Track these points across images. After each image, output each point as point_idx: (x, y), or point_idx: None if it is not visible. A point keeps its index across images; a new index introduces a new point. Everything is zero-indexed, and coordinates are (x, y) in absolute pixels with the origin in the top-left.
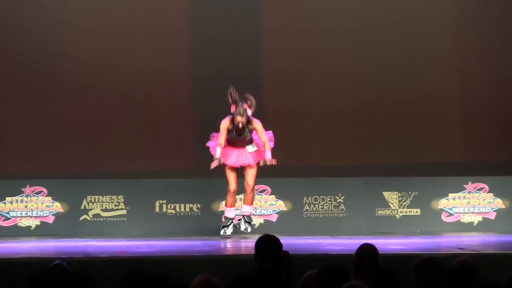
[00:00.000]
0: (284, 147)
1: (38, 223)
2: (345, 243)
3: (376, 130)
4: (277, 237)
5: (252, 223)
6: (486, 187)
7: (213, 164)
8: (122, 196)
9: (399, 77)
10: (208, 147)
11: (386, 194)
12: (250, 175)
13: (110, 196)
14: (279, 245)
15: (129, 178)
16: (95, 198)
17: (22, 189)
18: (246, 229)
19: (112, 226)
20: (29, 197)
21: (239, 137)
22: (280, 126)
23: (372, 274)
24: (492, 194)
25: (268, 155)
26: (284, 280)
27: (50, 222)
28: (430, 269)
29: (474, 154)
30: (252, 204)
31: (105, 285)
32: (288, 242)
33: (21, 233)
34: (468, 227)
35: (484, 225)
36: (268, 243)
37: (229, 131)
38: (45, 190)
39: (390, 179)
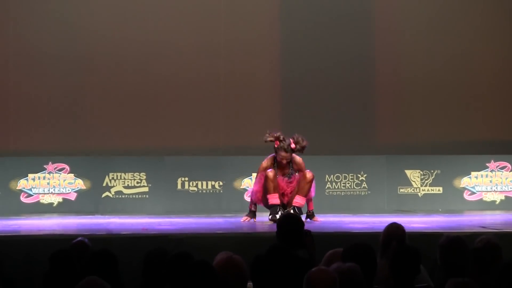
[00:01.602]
0: (306, 124)
1: (61, 200)
2: (367, 221)
3: (398, 108)
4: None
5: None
6: (509, 165)
7: (244, 219)
8: (144, 173)
9: (421, 54)
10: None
11: (408, 172)
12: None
13: (132, 173)
14: (301, 223)
15: (151, 155)
16: (117, 175)
17: (44, 166)
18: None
19: (134, 203)
20: (51, 174)
21: (282, 177)
22: (302, 103)
23: (395, 252)
24: None
25: (299, 200)
26: (298, 258)
27: (72, 199)
28: (455, 248)
29: (497, 132)
30: (306, 196)
31: (127, 262)
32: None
33: (43, 210)
34: (490, 205)
35: (507, 204)
36: (290, 222)
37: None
38: (67, 167)
39: (412, 157)
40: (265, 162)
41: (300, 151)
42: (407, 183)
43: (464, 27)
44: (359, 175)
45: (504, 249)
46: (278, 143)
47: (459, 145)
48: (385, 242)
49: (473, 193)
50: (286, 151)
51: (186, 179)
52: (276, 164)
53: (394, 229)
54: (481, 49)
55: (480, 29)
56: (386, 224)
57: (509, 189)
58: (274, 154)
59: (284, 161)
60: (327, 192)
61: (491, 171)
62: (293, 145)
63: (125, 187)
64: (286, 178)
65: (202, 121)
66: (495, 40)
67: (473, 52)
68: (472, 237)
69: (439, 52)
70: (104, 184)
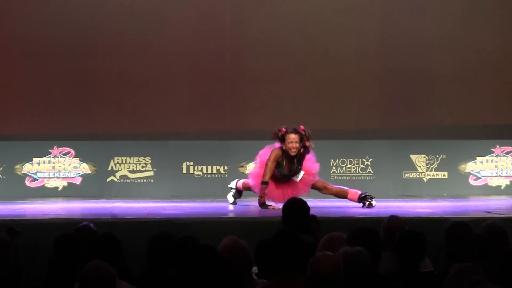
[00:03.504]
0: (312, 108)
1: (66, 184)
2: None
3: (404, 92)
4: (304, 199)
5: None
6: None
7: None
8: (149, 158)
9: (426, 39)
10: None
11: (413, 157)
12: (318, 183)
13: (138, 158)
14: (307, 208)
15: (156, 140)
16: (122, 160)
17: (49, 150)
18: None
19: (139, 187)
20: (56, 158)
21: (289, 173)
22: (307, 88)
23: (400, 237)
24: None
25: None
26: (304, 243)
27: (78, 183)
28: (460, 233)
29: (503, 117)
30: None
31: (132, 246)
32: (315, 205)
33: (48, 194)
34: (495, 190)
35: None
36: (295, 206)
37: (277, 165)
38: (72, 151)
39: (417, 142)
40: (276, 152)
41: (308, 138)
42: (412, 167)
43: (468, 12)
44: (364, 160)
45: (509, 234)
46: (284, 129)
47: (464, 130)
48: (387, 235)
49: (478, 178)
50: (295, 132)
51: (191, 163)
52: (283, 157)
53: (395, 222)
54: (484, 32)
55: (480, 10)
56: (391, 209)
57: None
58: (280, 145)
59: (294, 149)
60: (332, 177)
61: (497, 156)
62: (301, 127)
63: (130, 172)
64: (292, 173)
65: (208, 105)
66: (499, 24)
67: (478, 35)
68: (477, 222)
69: (442, 36)
70: (109, 169)
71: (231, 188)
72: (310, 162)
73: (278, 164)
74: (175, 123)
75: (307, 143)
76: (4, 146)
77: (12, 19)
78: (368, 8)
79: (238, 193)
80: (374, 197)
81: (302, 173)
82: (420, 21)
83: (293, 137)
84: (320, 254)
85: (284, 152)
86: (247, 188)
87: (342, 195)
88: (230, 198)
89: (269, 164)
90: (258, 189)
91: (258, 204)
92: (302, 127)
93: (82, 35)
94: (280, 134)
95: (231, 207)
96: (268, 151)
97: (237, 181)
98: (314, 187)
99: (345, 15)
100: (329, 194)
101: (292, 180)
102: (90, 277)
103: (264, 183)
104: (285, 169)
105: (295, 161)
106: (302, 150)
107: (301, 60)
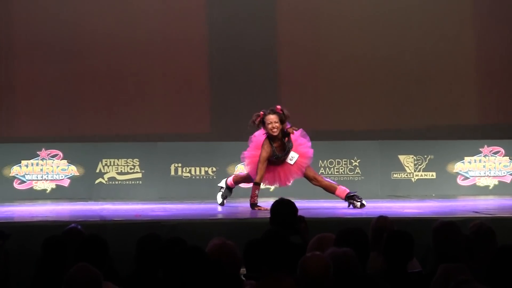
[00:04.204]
0: (300, 110)
1: (54, 186)
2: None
3: (392, 92)
4: (292, 200)
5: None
6: (502, 150)
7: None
8: (137, 159)
9: (414, 39)
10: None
11: (401, 157)
12: (309, 172)
13: (126, 159)
14: (295, 208)
15: (144, 141)
16: (110, 162)
17: (37, 152)
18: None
19: (128, 189)
20: (44, 161)
21: (283, 153)
22: (296, 89)
23: (388, 237)
24: (508, 157)
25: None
26: (292, 244)
27: (66, 185)
28: (449, 233)
29: (490, 117)
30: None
31: (120, 247)
32: (303, 205)
33: (36, 196)
34: (484, 190)
35: (500, 189)
36: (283, 207)
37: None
38: (60, 153)
39: (405, 142)
40: (264, 151)
41: (286, 117)
42: (401, 168)
43: (456, 15)
44: (352, 161)
45: (497, 234)
46: (262, 113)
47: (452, 130)
48: (375, 235)
49: (466, 178)
50: (272, 113)
51: (180, 165)
52: (271, 143)
53: (382, 221)
54: (471, 34)
55: (472, 15)
56: (379, 210)
57: (502, 174)
58: (265, 134)
59: (275, 129)
60: None
61: (485, 156)
62: (278, 106)
63: (118, 173)
64: (281, 156)
65: (195, 107)
66: (486, 23)
67: (464, 36)
68: (465, 222)
69: (430, 36)
70: (98, 171)
71: (221, 187)
72: (305, 147)
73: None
74: (163, 125)
75: (288, 130)
76: None
77: None
78: (362, 11)
79: (229, 190)
80: (362, 198)
81: (296, 156)
82: (408, 23)
83: (271, 117)
84: (310, 254)
85: (271, 138)
86: (239, 181)
87: (330, 189)
88: (219, 198)
89: (260, 165)
90: (253, 172)
91: (249, 204)
92: (279, 106)
93: (69, 38)
94: (259, 119)
95: (219, 208)
96: (262, 135)
97: (227, 179)
98: (304, 175)
99: (343, 19)
100: (318, 185)
101: (286, 162)
102: (75, 280)
103: (256, 184)
104: (277, 152)
105: (283, 140)
106: (288, 135)
107: (286, 61)
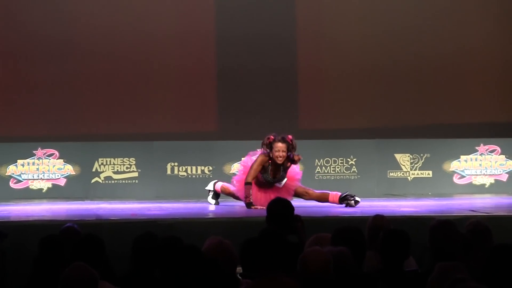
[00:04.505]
0: (295, 108)
1: (50, 185)
2: (357, 206)
3: (388, 91)
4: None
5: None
6: (498, 149)
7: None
8: (133, 159)
9: (411, 38)
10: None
11: (398, 156)
12: (299, 189)
13: (122, 159)
14: (291, 208)
15: (141, 141)
16: (106, 161)
17: (33, 151)
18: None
19: (124, 188)
20: (40, 160)
21: (273, 179)
22: (290, 88)
23: (384, 236)
24: (504, 156)
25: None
26: (289, 243)
27: (62, 184)
28: (445, 231)
29: (486, 116)
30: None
31: (117, 247)
32: (300, 204)
33: (33, 195)
34: (480, 189)
35: (496, 187)
36: (280, 206)
37: (263, 171)
38: (56, 153)
39: (402, 141)
40: (263, 156)
41: (294, 148)
42: (397, 167)
43: (454, 13)
44: (348, 159)
45: (493, 232)
46: (272, 137)
47: (448, 128)
48: (371, 234)
49: (462, 176)
50: (282, 141)
51: (176, 164)
52: (270, 164)
53: (379, 220)
54: (469, 32)
55: (467, 11)
56: (376, 208)
57: (499, 173)
58: (264, 153)
59: (280, 157)
60: (316, 177)
61: (481, 154)
62: (290, 136)
63: (114, 173)
64: (276, 180)
65: (191, 106)
66: (484, 22)
67: (462, 35)
68: (462, 220)
69: (426, 35)
70: (94, 170)
71: (209, 191)
72: (293, 169)
73: (263, 169)
74: (160, 124)
75: (295, 157)
76: None
77: None
78: (359, 7)
79: (216, 195)
80: (355, 195)
81: (285, 179)
82: (404, 23)
83: (280, 145)
84: (310, 249)
85: (271, 159)
86: (227, 193)
87: (323, 199)
88: (211, 200)
89: (255, 166)
90: (241, 194)
91: (244, 204)
92: (290, 136)
93: (65, 37)
94: (268, 142)
95: (214, 207)
96: (250, 159)
97: (215, 183)
98: (295, 193)
99: (343, 19)
100: (310, 199)
101: (275, 186)
102: (71, 279)
103: (248, 183)
104: (270, 175)
105: (281, 169)
106: (289, 164)
107: (283, 61)
